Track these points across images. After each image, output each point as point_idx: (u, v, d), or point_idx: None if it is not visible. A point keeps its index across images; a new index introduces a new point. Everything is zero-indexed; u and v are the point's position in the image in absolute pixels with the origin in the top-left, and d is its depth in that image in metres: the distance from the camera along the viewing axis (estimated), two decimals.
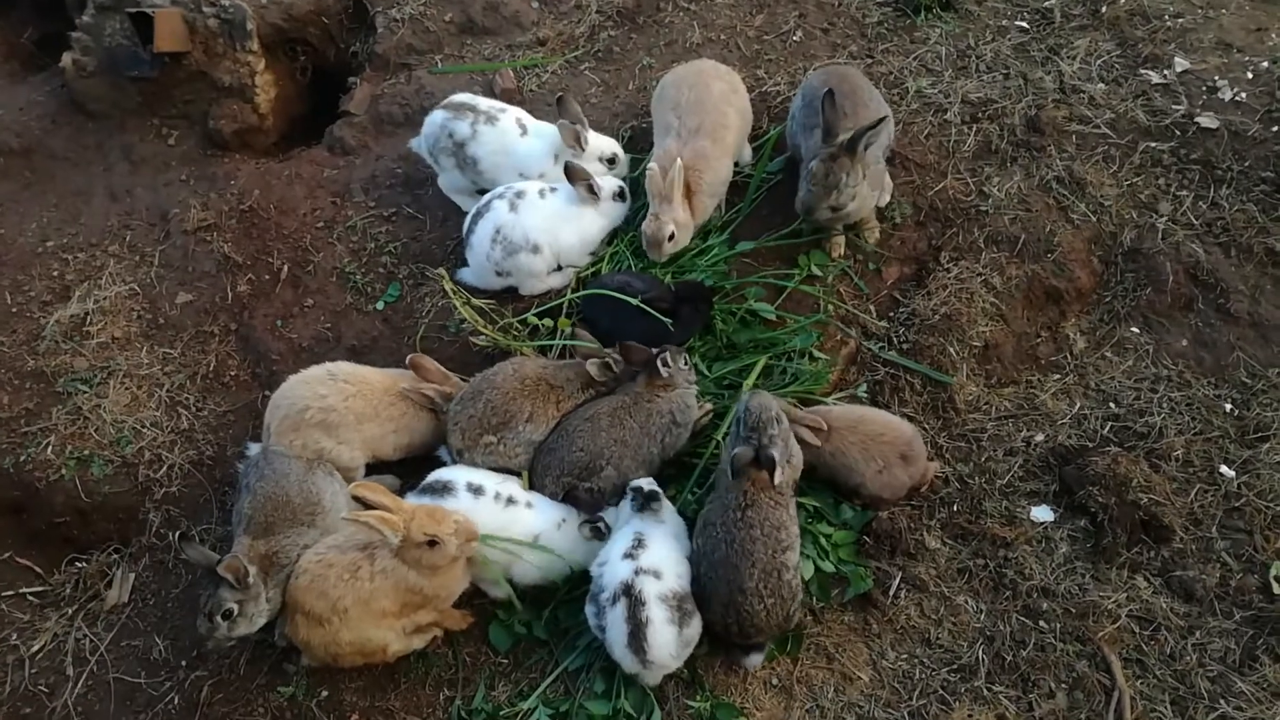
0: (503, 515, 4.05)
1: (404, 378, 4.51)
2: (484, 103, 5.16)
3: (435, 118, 5.14)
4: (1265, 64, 5.31)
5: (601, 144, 5.11)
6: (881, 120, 4.46)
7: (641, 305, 4.51)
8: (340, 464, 4.42)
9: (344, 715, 4.04)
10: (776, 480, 3.78)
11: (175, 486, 4.83)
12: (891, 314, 4.87)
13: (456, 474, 4.14)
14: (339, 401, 4.34)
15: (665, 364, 4.28)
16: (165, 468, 4.87)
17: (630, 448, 4.23)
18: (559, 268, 4.97)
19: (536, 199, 4.83)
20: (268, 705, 4.12)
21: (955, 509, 4.35)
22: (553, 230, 4.83)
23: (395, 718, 4.02)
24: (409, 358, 4.53)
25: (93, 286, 5.50)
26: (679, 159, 4.67)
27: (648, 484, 4.06)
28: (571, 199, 4.87)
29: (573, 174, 4.80)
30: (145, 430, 4.97)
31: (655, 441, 4.28)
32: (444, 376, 4.51)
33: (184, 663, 4.34)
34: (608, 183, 4.95)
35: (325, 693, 4.09)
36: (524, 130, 5.13)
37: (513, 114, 5.16)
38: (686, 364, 4.41)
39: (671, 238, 4.74)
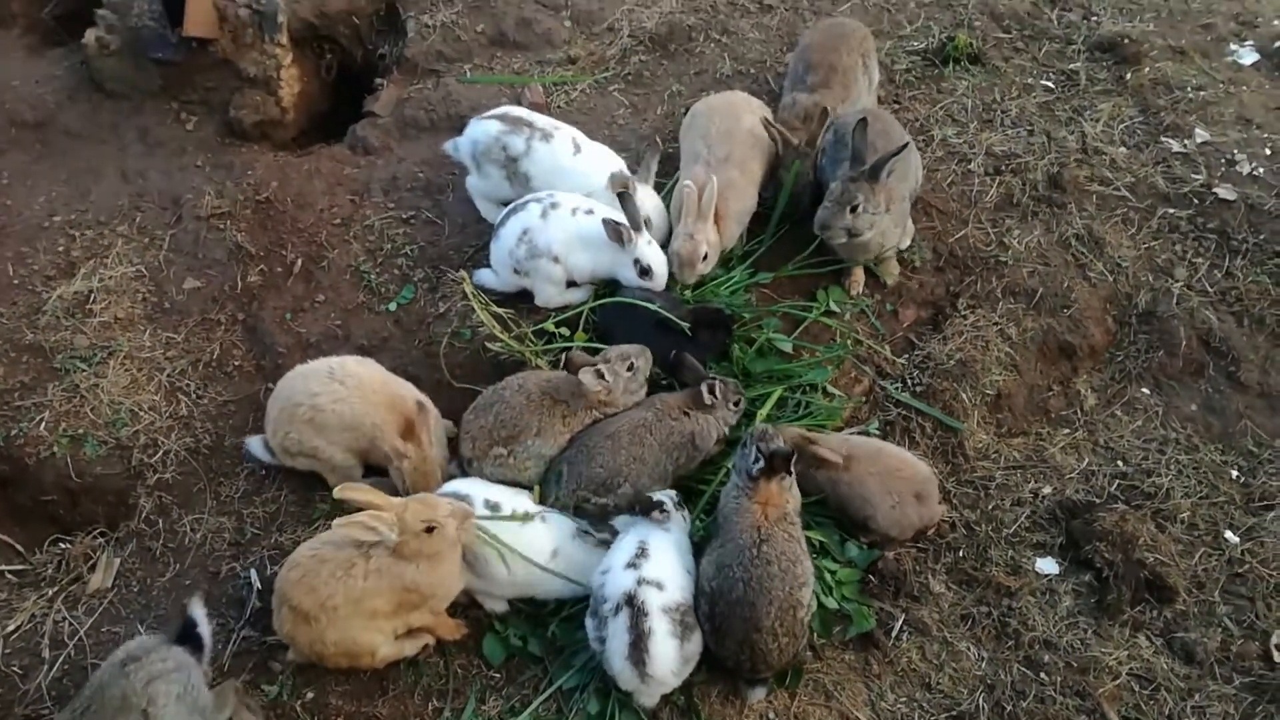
0: (521, 533, 3.97)
1: (409, 395, 4.37)
2: (540, 119, 5.06)
3: (490, 127, 5.01)
4: None
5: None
6: (904, 146, 4.49)
7: (659, 312, 4.50)
8: (335, 463, 4.37)
9: (328, 718, 3.93)
10: (791, 468, 3.78)
11: (169, 473, 4.71)
12: (906, 356, 4.88)
13: (474, 488, 4.08)
14: (328, 403, 4.29)
15: (712, 391, 4.25)
16: (160, 453, 4.76)
17: (648, 465, 4.19)
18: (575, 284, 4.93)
19: (567, 215, 4.76)
20: None
21: (961, 554, 4.33)
22: (570, 248, 4.78)
23: None
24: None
25: (98, 265, 5.39)
26: (714, 179, 4.67)
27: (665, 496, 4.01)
28: (600, 229, 4.70)
29: (624, 202, 4.64)
30: (142, 414, 4.86)
31: (671, 459, 4.25)
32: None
33: None
34: (646, 253, 4.68)
35: (311, 694, 3.97)
36: (578, 149, 5.04)
37: (567, 132, 5.06)
38: (736, 405, 4.36)
39: (705, 258, 4.71)
